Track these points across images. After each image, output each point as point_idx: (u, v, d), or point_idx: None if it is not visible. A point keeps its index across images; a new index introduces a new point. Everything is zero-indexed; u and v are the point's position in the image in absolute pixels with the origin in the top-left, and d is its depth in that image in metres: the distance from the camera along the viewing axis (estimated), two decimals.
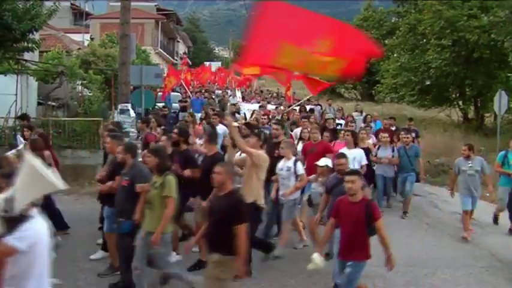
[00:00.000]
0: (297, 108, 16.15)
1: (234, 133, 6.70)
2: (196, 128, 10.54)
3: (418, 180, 10.90)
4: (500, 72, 20.41)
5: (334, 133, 11.00)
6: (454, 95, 23.94)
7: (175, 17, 56.40)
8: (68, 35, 26.18)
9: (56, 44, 19.65)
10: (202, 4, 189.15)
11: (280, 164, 7.63)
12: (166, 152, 6.57)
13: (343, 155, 7.03)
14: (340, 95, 44.73)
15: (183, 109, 16.21)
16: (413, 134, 12.23)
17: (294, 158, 7.59)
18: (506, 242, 8.91)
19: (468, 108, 23.70)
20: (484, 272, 7.39)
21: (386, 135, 10.59)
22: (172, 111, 19.45)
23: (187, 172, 7.16)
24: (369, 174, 9.53)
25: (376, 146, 10.63)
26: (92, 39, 30.31)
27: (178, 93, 24.27)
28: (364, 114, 15.89)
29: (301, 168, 7.49)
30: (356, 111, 16.64)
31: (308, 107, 16.89)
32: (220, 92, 26.08)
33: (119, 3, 14.20)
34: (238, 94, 17.86)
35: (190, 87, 26.60)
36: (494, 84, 20.23)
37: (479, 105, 22.97)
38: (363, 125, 13.19)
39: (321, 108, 18.63)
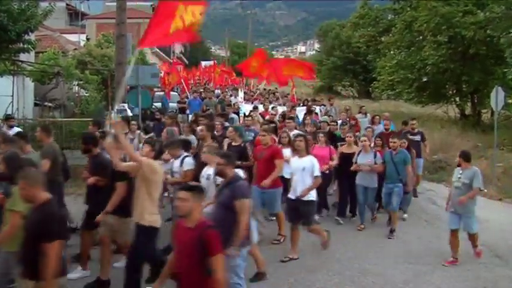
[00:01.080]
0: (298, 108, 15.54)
1: (114, 155, 5.81)
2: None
3: (406, 192, 9.19)
4: (497, 68, 20.42)
5: (331, 136, 10.41)
6: (450, 92, 23.94)
7: None
8: (63, 35, 26.13)
9: (52, 44, 19.60)
10: None
11: (203, 171, 6.73)
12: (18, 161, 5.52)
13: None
14: (337, 92, 44.84)
15: (182, 110, 16.02)
16: (419, 137, 11.76)
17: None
18: (503, 237, 8.92)
19: (465, 105, 23.72)
20: (482, 268, 7.40)
21: (365, 138, 9.36)
22: (169, 110, 19.46)
23: (90, 180, 6.61)
24: (346, 183, 9.48)
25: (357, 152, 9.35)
26: (88, 39, 30.28)
27: (176, 93, 24.23)
28: (368, 116, 15.02)
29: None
30: (360, 112, 15.62)
31: (299, 108, 15.60)
32: (219, 91, 25.37)
33: (115, 3, 14.19)
34: (241, 94, 17.50)
35: (191, 87, 26.45)
36: (490, 80, 20.25)
37: (476, 101, 22.99)
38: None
39: (324, 108, 17.48)
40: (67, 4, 38.98)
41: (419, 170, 11.69)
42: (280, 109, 14.99)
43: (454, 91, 23.75)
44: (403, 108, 27.79)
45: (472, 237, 7.62)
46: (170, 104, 20.36)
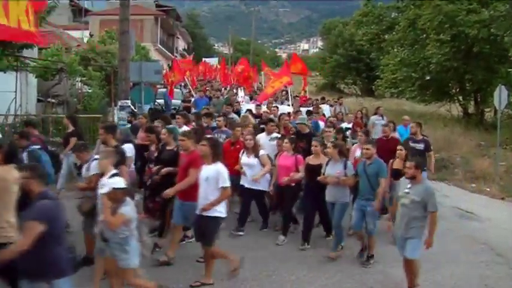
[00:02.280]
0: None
1: None
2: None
3: (384, 211, 7.51)
4: (500, 67, 20.36)
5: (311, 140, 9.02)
6: (454, 90, 23.90)
7: (174, 13, 56.29)
8: (67, 31, 26.17)
9: (55, 41, 19.60)
10: (201, 0, 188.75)
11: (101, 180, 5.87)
12: None
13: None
14: (340, 90, 44.80)
15: (187, 110, 15.70)
16: (422, 146, 9.92)
17: (112, 172, 5.63)
18: (505, 236, 8.92)
19: (468, 103, 23.68)
20: (484, 266, 7.41)
21: (317, 144, 8.09)
22: (172, 107, 19.49)
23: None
24: (309, 200, 8.02)
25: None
26: (91, 35, 30.29)
27: (178, 90, 24.21)
28: (386, 118, 13.24)
29: (112, 184, 5.20)
30: (376, 113, 14.18)
31: (305, 109, 14.75)
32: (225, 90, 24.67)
33: (118, 0, 14.19)
34: (241, 93, 17.16)
35: (197, 85, 26.17)
36: (494, 79, 20.19)
37: (479, 100, 22.94)
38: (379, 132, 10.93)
39: (333, 108, 16.57)
40: (70, 0, 39.03)
41: None
42: (287, 109, 14.32)
43: (457, 89, 23.71)
44: (406, 107, 27.77)
45: (410, 265, 6.35)
46: (173, 101, 20.37)
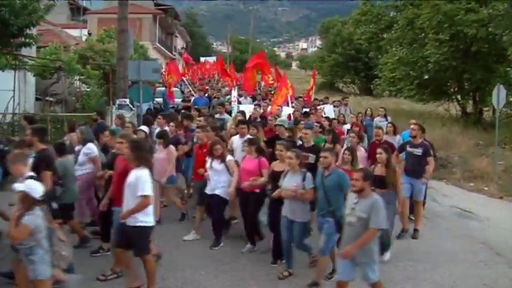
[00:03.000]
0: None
1: None
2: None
3: (339, 228, 6.04)
4: (499, 66, 20.37)
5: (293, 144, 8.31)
6: (452, 89, 23.91)
7: (173, 11, 56.20)
8: (65, 30, 26.13)
9: (54, 39, 19.58)
10: None
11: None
12: None
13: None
14: (339, 89, 44.82)
15: (187, 109, 15.42)
16: (420, 151, 8.55)
17: (27, 175, 5.07)
18: (504, 235, 8.92)
19: (467, 102, 23.70)
20: (482, 265, 7.40)
21: (281, 147, 7.08)
22: (170, 106, 19.46)
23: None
24: (275, 211, 6.89)
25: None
26: (89, 34, 30.28)
27: (177, 89, 24.15)
28: (389, 119, 13.04)
29: (24, 186, 4.82)
30: (379, 115, 13.61)
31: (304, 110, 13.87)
32: (227, 89, 24.49)
33: None
34: (234, 93, 16.56)
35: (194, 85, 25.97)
36: (492, 78, 20.19)
37: (477, 99, 22.95)
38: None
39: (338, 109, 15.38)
40: None
41: (420, 196, 8.72)
42: (288, 110, 13.69)
43: (456, 89, 23.72)
44: (405, 106, 27.79)
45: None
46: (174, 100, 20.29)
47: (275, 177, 6.90)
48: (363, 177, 5.28)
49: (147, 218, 5.77)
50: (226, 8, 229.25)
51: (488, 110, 22.45)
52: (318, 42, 79.07)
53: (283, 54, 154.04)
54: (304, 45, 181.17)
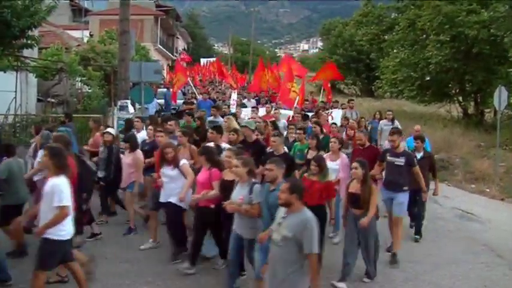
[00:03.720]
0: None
1: None
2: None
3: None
4: (500, 68, 20.34)
5: (259, 150, 7.91)
6: (453, 91, 23.87)
7: (174, 13, 56.30)
8: (67, 31, 26.16)
9: (55, 40, 19.62)
10: (201, 0, 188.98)
11: None
12: None
13: None
14: (340, 90, 44.78)
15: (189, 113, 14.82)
16: (403, 160, 7.51)
17: None
18: (505, 237, 8.92)
19: (468, 104, 23.67)
20: (483, 267, 7.40)
21: (229, 154, 6.42)
22: (171, 107, 19.47)
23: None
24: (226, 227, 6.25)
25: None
26: (91, 35, 30.32)
27: (179, 90, 24.06)
28: (396, 123, 12.50)
29: None
30: (386, 118, 13.03)
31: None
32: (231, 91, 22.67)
33: (119, 0, 14.19)
34: (234, 96, 16.00)
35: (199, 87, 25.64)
36: (494, 79, 20.16)
37: (479, 100, 22.91)
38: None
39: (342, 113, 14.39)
40: (71, 0, 39.01)
41: (401, 211, 7.58)
42: (288, 113, 13.35)
43: (457, 90, 23.68)
44: (406, 107, 27.76)
45: None
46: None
47: (226, 188, 6.23)
48: (288, 189, 4.54)
49: (59, 231, 5.23)
50: (228, 9, 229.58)
51: (489, 111, 22.43)
52: (319, 44, 78.93)
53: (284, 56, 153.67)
54: (306, 47, 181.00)
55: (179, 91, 23.22)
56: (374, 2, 29.79)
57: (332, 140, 8.11)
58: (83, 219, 7.30)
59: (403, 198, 7.53)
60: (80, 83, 18.63)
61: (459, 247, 8.31)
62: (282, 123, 11.76)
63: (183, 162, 7.20)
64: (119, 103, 13.62)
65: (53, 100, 18.03)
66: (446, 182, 13.59)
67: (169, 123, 9.40)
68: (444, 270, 7.21)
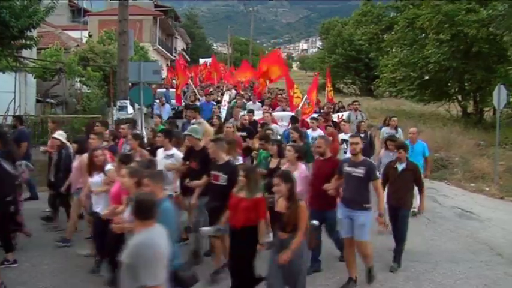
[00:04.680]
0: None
1: None
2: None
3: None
4: (500, 67, 20.36)
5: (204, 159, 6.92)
6: (453, 90, 23.90)
7: (173, 13, 56.32)
8: (66, 32, 26.11)
9: (54, 41, 19.58)
10: (200, 0, 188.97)
11: None
12: None
13: None
14: (339, 90, 44.76)
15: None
16: (361, 171, 6.27)
17: None
18: (505, 236, 8.92)
19: (467, 103, 23.70)
20: (483, 266, 7.40)
21: (118, 166, 6.05)
22: (172, 107, 19.44)
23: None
24: None
25: None
26: (90, 36, 30.27)
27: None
28: (400, 131, 11.60)
29: None
30: (389, 125, 11.82)
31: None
32: (235, 91, 21.59)
33: (117, 0, 14.17)
34: (226, 98, 15.46)
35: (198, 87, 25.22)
36: (493, 78, 20.19)
37: (478, 99, 22.95)
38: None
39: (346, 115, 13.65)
40: (69, 1, 39.00)
41: (363, 234, 6.30)
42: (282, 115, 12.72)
43: (457, 89, 23.71)
44: (405, 106, 27.78)
45: None
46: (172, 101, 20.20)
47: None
48: (135, 211, 3.99)
49: None
50: (226, 9, 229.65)
51: (488, 110, 22.46)
52: (319, 43, 79.05)
53: (283, 55, 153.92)
54: (305, 46, 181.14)
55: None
56: (373, 1, 29.78)
57: (287, 148, 6.98)
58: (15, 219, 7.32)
59: (364, 218, 6.21)
60: (79, 84, 18.60)
61: (459, 246, 8.31)
62: (274, 126, 11.08)
63: (108, 167, 6.46)
64: (118, 103, 13.59)
65: (52, 101, 17.99)
66: (445, 181, 13.62)
67: (121, 127, 9.00)
68: (444, 269, 7.20)
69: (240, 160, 7.37)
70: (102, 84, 18.57)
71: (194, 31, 76.71)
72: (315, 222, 5.85)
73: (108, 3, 42.89)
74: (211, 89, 21.62)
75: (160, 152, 7.52)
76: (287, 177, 5.25)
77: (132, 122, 9.87)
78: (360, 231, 6.23)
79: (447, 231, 9.16)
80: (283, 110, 14.02)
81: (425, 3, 21.89)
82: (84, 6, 40.66)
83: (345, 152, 9.51)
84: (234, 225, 4.49)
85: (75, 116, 15.58)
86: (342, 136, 10.56)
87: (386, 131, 11.56)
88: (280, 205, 5.19)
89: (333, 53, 44.05)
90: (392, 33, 25.54)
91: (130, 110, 13.46)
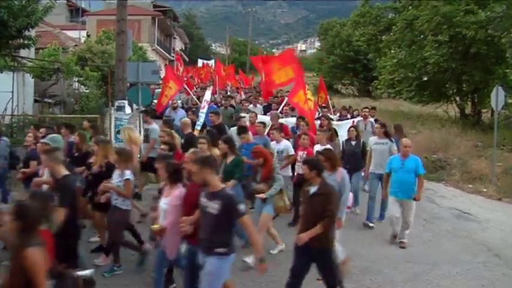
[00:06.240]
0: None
1: None
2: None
3: None
4: (498, 68, 20.39)
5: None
6: (451, 91, 23.92)
7: (172, 13, 56.31)
8: (64, 31, 26.11)
9: (52, 40, 19.58)
10: (198, 0, 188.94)
11: None
12: None
13: None
14: (337, 91, 44.80)
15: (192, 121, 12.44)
16: (215, 206, 4.66)
17: None
18: (503, 237, 8.93)
19: (465, 104, 23.71)
20: (481, 267, 7.40)
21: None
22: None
23: None
24: None
25: None
26: (88, 36, 30.24)
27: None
28: (393, 144, 9.30)
29: None
30: (388, 134, 9.67)
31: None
32: (237, 96, 21.51)
33: (115, 0, 14.15)
34: (207, 96, 14.84)
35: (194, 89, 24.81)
36: (491, 79, 20.22)
37: (476, 101, 22.96)
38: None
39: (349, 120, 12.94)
40: (68, 0, 38.96)
41: (208, 285, 4.87)
42: (293, 121, 12.13)
43: (455, 90, 23.72)
44: (404, 108, 27.80)
45: None
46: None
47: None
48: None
49: None
50: (225, 9, 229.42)
51: (486, 111, 22.48)
52: (317, 44, 78.95)
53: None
54: (303, 47, 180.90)
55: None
56: (371, 2, 29.75)
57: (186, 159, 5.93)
58: None
59: (212, 265, 4.68)
60: (77, 84, 18.60)
61: (457, 247, 8.31)
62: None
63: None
64: (116, 103, 13.57)
65: (50, 100, 18.00)
66: (443, 182, 13.63)
67: (40, 130, 8.88)
68: (442, 270, 7.20)
69: (127, 174, 6.44)
70: (100, 84, 18.56)
71: (193, 31, 76.73)
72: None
73: (107, 3, 42.87)
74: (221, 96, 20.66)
75: None
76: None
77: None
78: (205, 281, 4.71)
79: (445, 232, 9.16)
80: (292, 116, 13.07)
81: (423, 4, 21.91)
82: (83, 6, 40.67)
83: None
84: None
85: (73, 115, 15.58)
86: (317, 147, 8.80)
87: (373, 141, 9.60)
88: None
89: (331, 54, 44.07)
90: (391, 34, 25.53)
91: (128, 110, 13.44)
